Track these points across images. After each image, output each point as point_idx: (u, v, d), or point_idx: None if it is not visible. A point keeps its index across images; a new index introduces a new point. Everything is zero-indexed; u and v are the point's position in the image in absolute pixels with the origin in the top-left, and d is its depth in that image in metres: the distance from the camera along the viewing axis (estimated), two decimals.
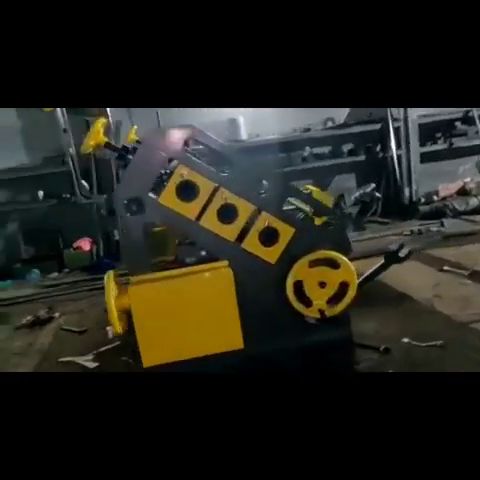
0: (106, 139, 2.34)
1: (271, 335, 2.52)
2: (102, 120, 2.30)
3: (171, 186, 2.35)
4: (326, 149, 6.42)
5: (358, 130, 6.27)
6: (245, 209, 2.42)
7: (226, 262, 2.45)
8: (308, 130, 6.25)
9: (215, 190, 2.38)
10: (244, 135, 6.16)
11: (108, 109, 4.59)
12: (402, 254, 2.63)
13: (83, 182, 3.81)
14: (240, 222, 2.42)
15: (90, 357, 3.17)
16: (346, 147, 6.44)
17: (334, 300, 2.48)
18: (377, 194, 5.74)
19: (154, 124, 6.05)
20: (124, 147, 2.36)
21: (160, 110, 5.99)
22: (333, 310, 2.48)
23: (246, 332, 2.47)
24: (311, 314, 2.46)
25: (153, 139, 2.35)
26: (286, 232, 2.47)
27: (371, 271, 2.77)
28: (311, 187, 4.29)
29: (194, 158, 2.36)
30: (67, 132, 2.23)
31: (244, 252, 2.46)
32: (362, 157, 6.33)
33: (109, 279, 2.32)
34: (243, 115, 6.16)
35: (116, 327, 2.27)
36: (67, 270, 5.81)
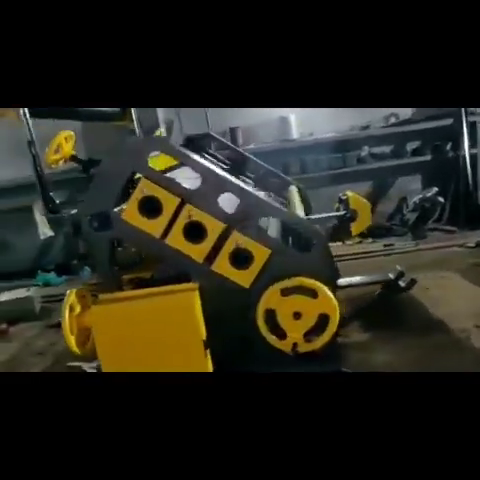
0: (72, 152, 2.25)
1: (244, 364, 2.29)
2: (67, 132, 2.21)
3: (133, 202, 2.20)
4: (387, 148, 5.87)
5: (426, 126, 5.63)
6: (214, 227, 2.20)
7: (196, 285, 2.26)
8: (367, 128, 5.76)
9: (180, 206, 2.19)
10: (295, 134, 5.83)
11: None
12: (403, 283, 2.23)
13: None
14: (209, 241, 2.21)
15: (95, 364, 3.16)
16: (410, 146, 5.83)
17: (313, 334, 2.18)
18: (440, 199, 5.13)
19: (203, 124, 5.96)
20: (90, 160, 2.26)
21: (209, 110, 5.88)
22: (310, 345, 2.18)
23: (219, 359, 2.27)
24: (284, 348, 2.19)
25: (116, 152, 2.22)
26: (261, 254, 2.21)
27: (362, 305, 2.41)
28: (349, 193, 3.94)
29: (157, 172, 2.18)
30: (32, 145, 2.19)
31: (215, 274, 2.25)
32: (428, 157, 5.69)
33: (69, 296, 2.25)
34: (295, 113, 5.83)
35: (71, 346, 2.19)
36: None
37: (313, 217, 3.97)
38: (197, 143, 3.89)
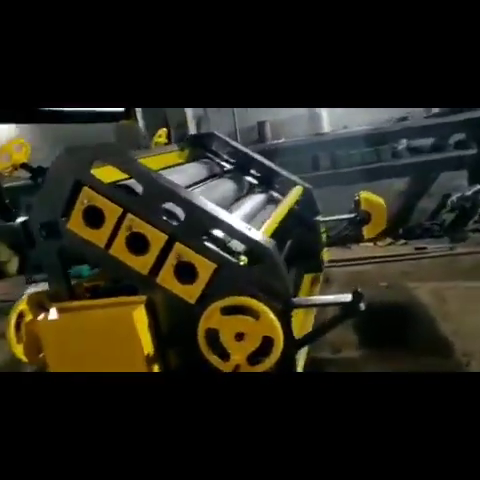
0: (24, 160, 2.23)
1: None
2: (17, 140, 2.19)
3: (77, 211, 2.14)
4: (428, 141, 5.39)
5: (473, 116, 5.09)
6: (156, 238, 2.08)
7: (142, 298, 2.17)
8: (405, 119, 5.31)
9: (122, 216, 2.10)
10: (327, 128, 5.51)
11: None
12: (362, 307, 1.98)
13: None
14: (152, 253, 2.09)
15: None
16: (454, 138, 5.31)
17: (258, 357, 2.00)
18: None
19: (231, 119, 5.83)
20: (39, 168, 2.22)
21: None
22: (253, 369, 2.00)
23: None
24: (226, 369, 2.03)
25: (60, 160, 2.15)
26: (205, 268, 2.05)
27: (318, 327, 2.18)
28: (363, 193, 3.66)
29: (99, 181, 2.09)
30: None
31: (160, 288, 2.13)
32: (474, 150, 5.15)
33: (20, 303, 2.25)
34: None
35: (18, 355, 2.19)
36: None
37: (322, 219, 3.75)
38: (201, 142, 3.78)
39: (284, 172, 3.74)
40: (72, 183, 2.13)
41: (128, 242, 2.12)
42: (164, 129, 3.82)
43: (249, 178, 3.74)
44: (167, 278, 2.11)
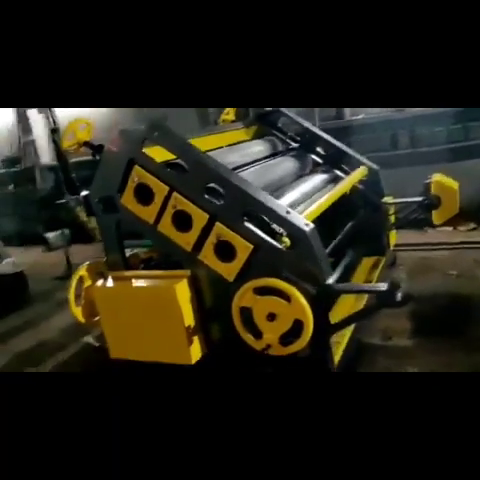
0: (86, 138, 2.40)
1: (231, 357, 2.27)
2: (81, 120, 2.37)
3: (129, 188, 2.28)
4: None
5: None
6: (199, 217, 2.17)
7: (187, 272, 2.28)
8: None
9: (168, 194, 2.20)
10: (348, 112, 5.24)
11: None
12: (398, 298, 1.92)
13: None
14: (195, 231, 2.19)
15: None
16: None
17: (290, 337, 2.04)
18: None
19: None
20: (100, 145, 2.38)
21: None
22: (283, 350, 2.04)
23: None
24: (258, 347, 2.09)
25: (114, 140, 2.30)
26: (243, 249, 2.11)
27: (353, 314, 2.13)
28: (436, 176, 3.47)
29: (150, 160, 2.20)
30: (56, 132, 2.38)
31: (203, 264, 2.23)
32: None
33: (80, 270, 2.47)
34: None
35: (76, 316, 2.43)
36: None
37: (389, 201, 3.60)
38: (267, 119, 3.77)
39: (350, 151, 3.62)
40: (126, 161, 2.27)
41: (174, 219, 2.23)
42: (229, 109, 3.85)
43: (314, 156, 3.68)
44: (208, 255, 2.20)
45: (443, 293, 3.42)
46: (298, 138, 3.75)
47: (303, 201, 2.77)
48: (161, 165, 2.23)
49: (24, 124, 7.53)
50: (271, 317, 2.04)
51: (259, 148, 3.40)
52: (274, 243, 2.07)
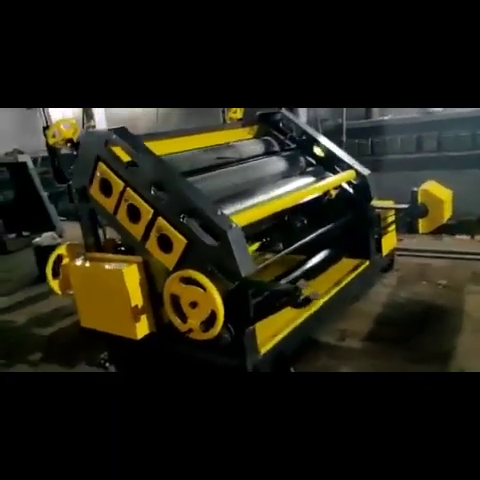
0: (69, 136, 2.77)
1: (167, 338, 2.55)
2: (66, 120, 2.74)
3: (95, 181, 2.62)
4: None
5: None
6: (145, 211, 2.46)
7: (139, 259, 2.59)
8: None
9: (124, 189, 2.51)
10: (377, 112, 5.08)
11: None
12: (299, 300, 2.08)
13: None
14: (143, 223, 2.49)
15: None
16: None
17: (208, 325, 2.29)
18: None
19: None
20: (79, 143, 2.73)
21: None
22: (202, 335, 2.30)
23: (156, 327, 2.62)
24: (182, 329, 2.36)
25: (85, 138, 2.65)
26: (179, 242, 2.38)
27: (261, 310, 2.31)
28: (426, 186, 3.48)
29: (114, 157, 2.51)
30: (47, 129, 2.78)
31: (149, 253, 2.53)
32: None
33: (59, 248, 2.88)
34: None
35: (52, 288, 2.84)
36: None
37: (377, 205, 3.65)
38: (268, 120, 3.94)
39: (343, 155, 3.70)
40: (94, 157, 2.61)
41: (127, 211, 2.54)
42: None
43: (310, 158, 3.80)
44: (153, 245, 2.49)
45: (419, 301, 3.44)
46: (298, 138, 3.89)
47: (270, 200, 2.94)
48: (120, 163, 2.54)
49: (88, 111, 8.24)
50: (193, 305, 2.30)
51: (252, 147, 3.60)
52: (203, 240, 2.32)
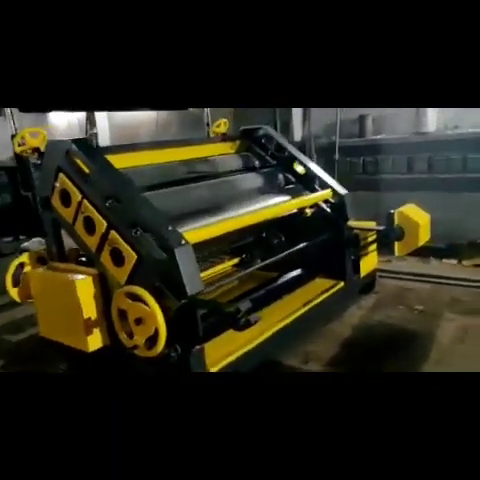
0: (36, 145, 2.77)
1: (120, 353, 2.52)
2: (32, 129, 2.75)
3: (56, 191, 2.62)
4: None
5: None
6: (99, 224, 2.44)
7: (95, 271, 2.57)
8: None
9: (81, 200, 2.50)
10: (432, 126, 4.98)
11: None
12: (240, 323, 2.03)
13: None
14: (97, 235, 2.47)
15: None
16: None
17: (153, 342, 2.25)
18: None
19: (332, 110, 5.66)
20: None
21: None
22: (146, 352, 2.26)
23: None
24: (127, 345, 2.33)
25: (48, 148, 2.65)
26: (129, 257, 2.36)
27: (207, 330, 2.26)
28: (404, 208, 3.40)
29: (73, 169, 2.51)
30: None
31: (103, 265, 2.51)
32: None
33: (22, 256, 2.87)
34: None
35: (11, 295, 2.84)
36: None
37: (354, 225, 3.59)
38: (250, 135, 3.92)
39: (322, 174, 3.66)
40: (55, 168, 2.61)
41: (84, 222, 2.53)
42: (224, 120, 4.06)
43: (289, 175, 3.76)
44: (106, 258, 2.47)
45: (390, 326, 3.36)
46: (279, 155, 3.86)
47: (233, 218, 2.91)
48: (78, 174, 2.53)
49: (91, 119, 8.33)
50: (138, 321, 2.26)
51: (228, 163, 3.58)
52: (152, 255, 2.29)
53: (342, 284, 3.56)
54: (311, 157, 5.70)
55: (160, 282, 2.27)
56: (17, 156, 2.82)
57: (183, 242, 2.27)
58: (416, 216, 3.35)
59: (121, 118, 8.19)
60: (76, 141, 2.56)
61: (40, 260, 2.94)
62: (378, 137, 5.29)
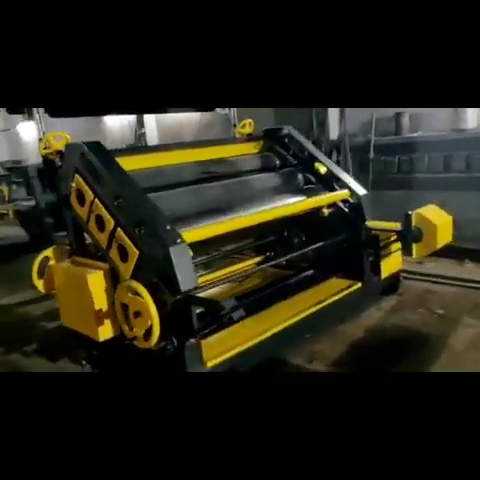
0: (60, 148, 2.99)
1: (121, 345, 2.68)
2: (57, 133, 2.97)
3: (73, 190, 2.83)
4: None
5: None
6: (108, 222, 2.61)
7: (106, 266, 2.75)
8: None
9: (93, 200, 2.69)
10: (472, 123, 4.77)
11: None
12: (224, 319, 2.12)
13: None
14: (106, 232, 2.64)
15: None
16: None
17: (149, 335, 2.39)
18: None
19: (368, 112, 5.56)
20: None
21: None
22: (144, 344, 2.40)
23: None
24: (128, 336, 2.49)
25: (66, 150, 2.86)
26: (132, 253, 2.51)
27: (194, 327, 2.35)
28: (422, 209, 3.33)
29: (87, 170, 2.69)
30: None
31: (112, 260, 2.68)
32: None
33: (47, 250, 3.11)
34: None
35: (36, 286, 3.09)
36: None
37: (372, 226, 3.56)
38: (273, 136, 3.97)
39: (341, 174, 3.64)
40: (73, 169, 2.82)
41: (96, 220, 2.72)
42: (249, 120, 4.13)
43: (309, 175, 3.78)
44: (114, 254, 2.64)
45: (405, 329, 3.31)
46: (301, 155, 3.88)
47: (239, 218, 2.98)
48: (91, 175, 2.71)
49: (140, 120, 8.70)
50: (136, 314, 2.41)
51: (247, 163, 3.66)
52: (151, 253, 2.43)
53: (359, 285, 3.53)
54: (345, 156, 5.65)
55: (157, 278, 2.41)
56: (44, 158, 3.06)
57: (179, 241, 2.39)
58: (435, 217, 3.26)
59: (168, 119, 8.47)
60: (89, 144, 2.74)
61: (64, 254, 3.16)
62: (414, 135, 5.14)
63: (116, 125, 9.63)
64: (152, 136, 8.60)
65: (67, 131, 3.02)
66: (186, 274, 2.37)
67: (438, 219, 3.26)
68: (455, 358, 2.85)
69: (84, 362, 3.16)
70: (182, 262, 2.36)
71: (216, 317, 2.17)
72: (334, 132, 5.93)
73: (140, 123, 8.63)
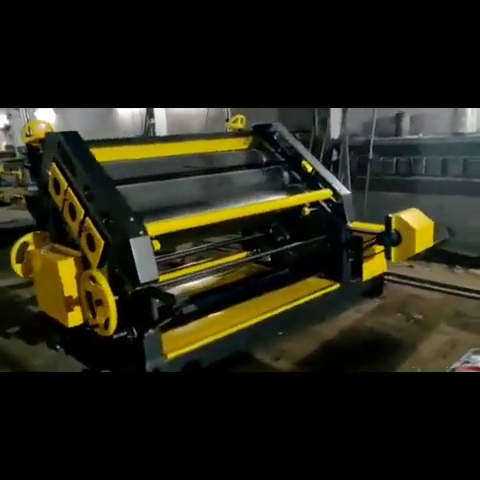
0: (42, 136, 3.04)
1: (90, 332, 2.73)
2: (39, 121, 3.03)
3: (50, 179, 2.88)
4: None
5: None
6: (79, 211, 2.66)
7: (78, 253, 2.81)
8: None
9: (66, 189, 2.74)
10: (472, 127, 4.68)
11: None
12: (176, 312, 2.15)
13: None
14: (77, 221, 2.70)
15: None
16: None
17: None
18: None
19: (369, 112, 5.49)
20: None
21: None
22: (103, 332, 2.45)
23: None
24: (90, 323, 2.54)
25: (47, 141, 2.91)
26: (98, 242, 2.55)
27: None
28: (402, 213, 3.30)
29: (65, 160, 2.74)
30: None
31: (82, 248, 2.73)
32: None
33: (27, 235, 3.18)
34: None
35: (15, 269, 3.17)
36: None
37: (353, 227, 3.54)
38: (261, 132, 3.97)
39: (325, 173, 3.63)
40: (51, 157, 2.87)
41: (69, 209, 2.77)
42: (241, 116, 4.13)
43: (295, 174, 3.77)
44: (83, 243, 2.69)
45: (378, 332, 3.29)
46: (288, 153, 3.87)
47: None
48: (66, 165, 2.76)
49: (150, 111, 8.75)
50: (98, 302, 2.46)
51: (230, 159, 3.67)
52: (114, 243, 2.47)
53: (338, 285, 3.53)
54: (344, 155, 5.60)
55: (119, 268, 2.45)
56: (27, 146, 3.12)
57: (141, 233, 2.43)
58: (414, 221, 3.23)
59: (177, 110, 8.50)
60: (66, 134, 2.79)
61: (46, 240, 3.23)
62: (413, 137, 5.06)
63: (127, 115, 9.71)
64: (161, 127, 8.66)
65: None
66: (146, 266, 2.40)
67: (418, 223, 3.23)
68: (420, 364, 2.83)
69: (58, 347, 3.24)
70: (143, 254, 2.40)
71: (171, 310, 2.21)
72: (336, 131, 5.88)
73: (150, 114, 8.69)
